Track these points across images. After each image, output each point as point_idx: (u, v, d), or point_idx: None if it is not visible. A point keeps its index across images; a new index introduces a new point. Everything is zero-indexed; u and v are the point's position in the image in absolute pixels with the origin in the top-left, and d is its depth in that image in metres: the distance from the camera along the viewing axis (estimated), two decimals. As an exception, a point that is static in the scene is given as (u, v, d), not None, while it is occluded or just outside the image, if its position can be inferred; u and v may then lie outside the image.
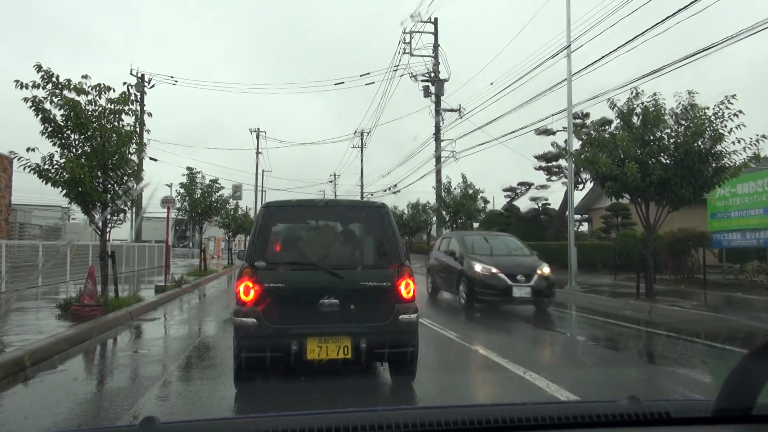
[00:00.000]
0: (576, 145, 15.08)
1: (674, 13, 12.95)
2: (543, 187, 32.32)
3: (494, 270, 11.74)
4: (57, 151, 9.64)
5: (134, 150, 10.68)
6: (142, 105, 25.98)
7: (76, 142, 9.78)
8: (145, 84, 27.95)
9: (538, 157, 29.99)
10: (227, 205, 27.49)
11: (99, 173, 9.86)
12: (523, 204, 34.67)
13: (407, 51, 29.21)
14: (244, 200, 44.44)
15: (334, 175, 62.57)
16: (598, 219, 28.91)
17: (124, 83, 10.80)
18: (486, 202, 26.79)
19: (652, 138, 11.95)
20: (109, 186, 10.23)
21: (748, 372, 1.50)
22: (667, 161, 11.92)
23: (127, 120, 10.38)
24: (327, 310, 4.77)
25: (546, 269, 12.20)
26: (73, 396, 5.12)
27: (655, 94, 12.11)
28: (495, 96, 43.73)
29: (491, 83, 26.24)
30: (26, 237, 23.06)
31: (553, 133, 26.93)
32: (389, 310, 4.93)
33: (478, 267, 11.93)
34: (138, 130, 11.04)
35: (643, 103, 12.15)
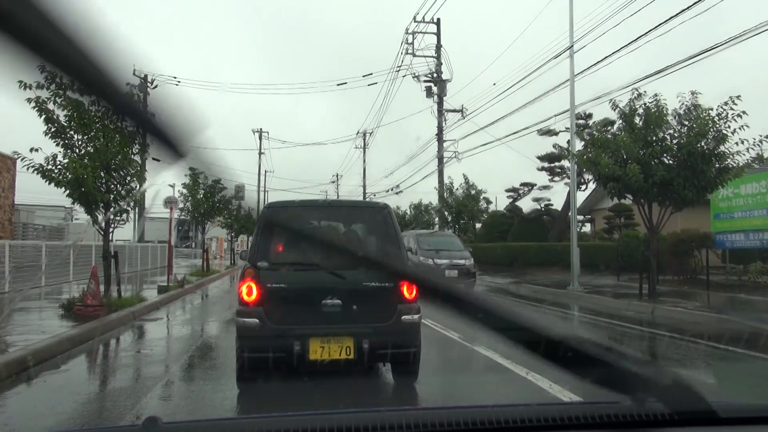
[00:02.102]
0: (579, 145, 15.06)
1: (677, 14, 12.95)
2: (546, 187, 32.30)
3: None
4: (60, 152, 9.67)
5: (137, 150, 10.71)
6: (144, 105, 25.99)
7: (80, 143, 9.80)
8: (148, 84, 27.97)
9: (541, 158, 29.96)
10: (230, 206, 27.51)
11: (102, 173, 9.89)
12: (526, 205, 34.63)
13: (410, 51, 29.20)
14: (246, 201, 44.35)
15: (337, 176, 62.58)
16: (600, 220, 28.86)
17: (127, 84, 10.81)
18: (488, 202, 26.83)
19: (654, 138, 11.94)
20: (112, 186, 10.25)
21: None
22: (670, 162, 11.91)
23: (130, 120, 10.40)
24: (329, 311, 4.77)
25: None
26: (76, 396, 5.13)
27: (656, 94, 12.10)
28: (497, 97, 43.83)
29: (494, 84, 26.38)
30: (29, 237, 23.11)
31: (556, 134, 26.90)
32: (392, 310, 4.92)
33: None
34: (141, 130, 11.05)
35: (645, 104, 12.14)
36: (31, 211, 29.39)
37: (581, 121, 24.54)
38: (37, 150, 9.37)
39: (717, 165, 11.59)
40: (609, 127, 13.82)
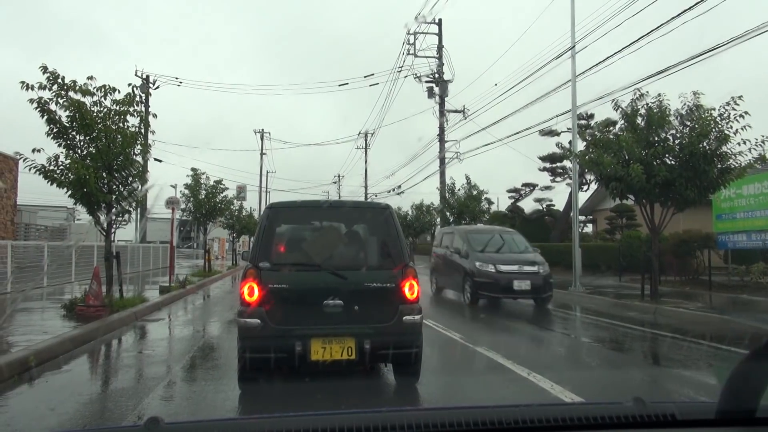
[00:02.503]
0: (580, 146, 15.05)
1: (679, 14, 12.92)
2: (547, 188, 32.33)
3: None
4: (62, 152, 9.69)
5: (139, 151, 10.73)
6: (146, 106, 26.06)
7: (82, 143, 9.82)
8: (150, 85, 28.02)
9: (543, 158, 29.97)
10: (231, 206, 27.53)
11: (104, 174, 9.91)
12: (528, 205, 34.67)
13: (411, 52, 29.19)
14: (248, 201, 44.48)
15: (339, 176, 62.59)
16: (602, 220, 28.85)
17: (129, 84, 10.86)
18: (490, 203, 26.73)
19: (656, 139, 11.92)
20: (114, 187, 10.27)
21: (750, 373, 1.50)
22: (672, 162, 11.89)
23: (132, 121, 10.44)
24: (331, 311, 4.78)
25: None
26: (77, 396, 5.14)
27: (659, 95, 12.09)
28: (499, 97, 43.83)
29: (495, 84, 26.44)
30: (32, 238, 23.15)
31: (558, 134, 26.95)
32: (393, 311, 4.93)
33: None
34: (143, 131, 11.08)
35: (647, 104, 12.12)
36: (33, 212, 29.46)
37: (583, 122, 24.54)
38: (39, 151, 9.39)
39: (719, 165, 11.56)
40: (611, 128, 13.80)
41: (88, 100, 9.76)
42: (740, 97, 11.11)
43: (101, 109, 9.93)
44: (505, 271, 12.26)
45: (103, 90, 9.94)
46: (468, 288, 12.73)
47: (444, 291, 15.09)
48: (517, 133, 25.27)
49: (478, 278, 12.41)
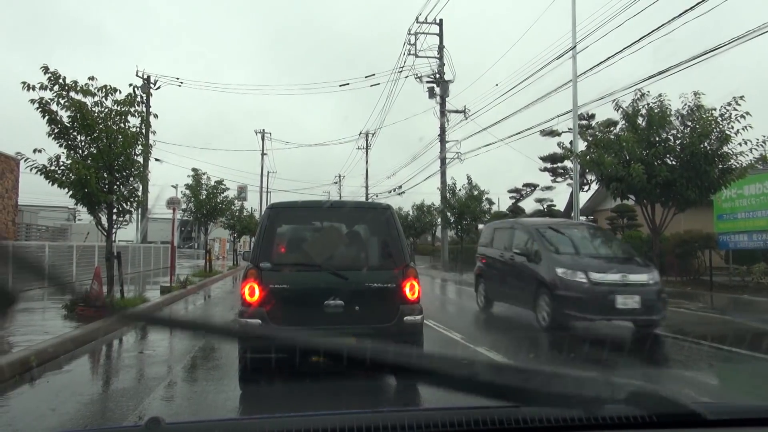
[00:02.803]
0: (581, 146, 15.06)
1: (680, 14, 12.92)
2: (548, 188, 32.32)
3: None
4: (63, 153, 9.70)
5: (140, 151, 10.73)
6: (147, 107, 26.04)
7: (83, 144, 9.83)
8: (151, 86, 28.04)
9: (544, 159, 29.98)
10: (232, 206, 27.54)
11: (105, 174, 9.92)
12: (529, 205, 34.63)
13: (412, 52, 29.23)
14: (249, 201, 44.53)
15: (339, 176, 62.62)
16: (603, 220, 28.81)
17: (130, 84, 10.88)
18: (491, 203, 26.80)
19: (657, 139, 11.93)
20: (115, 187, 10.28)
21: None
22: (673, 162, 11.89)
23: (133, 121, 10.45)
24: (332, 311, 4.78)
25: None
26: (78, 396, 5.14)
27: (660, 95, 12.11)
28: (500, 97, 43.86)
29: (496, 84, 26.43)
30: (33, 238, 23.17)
31: (559, 135, 26.95)
32: (394, 311, 4.93)
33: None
34: (144, 131, 11.08)
35: (648, 105, 12.13)
36: (34, 212, 29.49)
37: (584, 122, 24.55)
38: (40, 151, 9.41)
39: (720, 165, 11.58)
40: (612, 128, 13.82)
41: (89, 101, 9.77)
42: (741, 98, 11.12)
43: (102, 109, 9.93)
44: (603, 282, 8.45)
45: (104, 90, 9.94)
46: (545, 305, 9.03)
47: (494, 305, 11.43)
48: (518, 133, 25.32)
49: (562, 291, 8.66)
